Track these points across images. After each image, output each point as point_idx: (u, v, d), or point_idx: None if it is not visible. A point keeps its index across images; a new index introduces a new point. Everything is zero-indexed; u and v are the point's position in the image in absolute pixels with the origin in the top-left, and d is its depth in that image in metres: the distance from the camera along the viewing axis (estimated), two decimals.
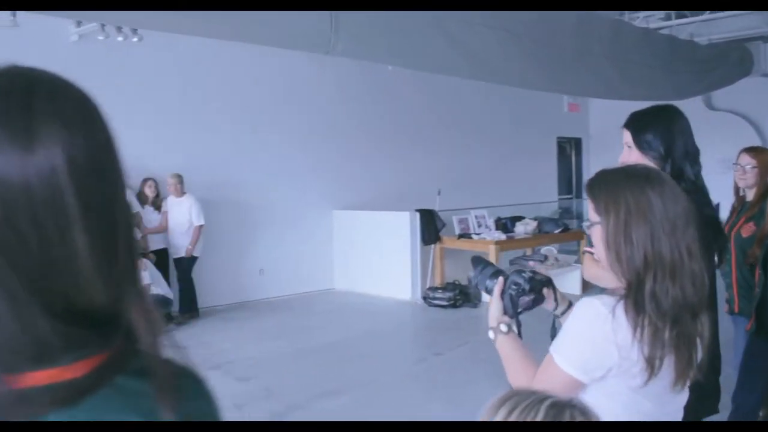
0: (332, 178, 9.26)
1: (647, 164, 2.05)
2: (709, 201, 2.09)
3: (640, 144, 2.12)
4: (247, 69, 8.22)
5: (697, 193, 2.04)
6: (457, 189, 9.69)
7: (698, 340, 1.41)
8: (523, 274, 1.66)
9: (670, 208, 1.36)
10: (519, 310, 1.63)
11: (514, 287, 1.63)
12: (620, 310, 1.34)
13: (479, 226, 8.53)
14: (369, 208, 9.02)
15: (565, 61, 5.58)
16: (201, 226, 7.46)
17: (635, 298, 1.34)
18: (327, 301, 8.71)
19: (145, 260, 6.82)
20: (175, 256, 7.51)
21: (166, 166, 7.48)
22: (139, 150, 7.44)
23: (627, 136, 2.16)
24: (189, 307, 7.47)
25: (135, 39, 6.41)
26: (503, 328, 1.58)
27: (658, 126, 2.12)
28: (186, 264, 7.46)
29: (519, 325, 1.63)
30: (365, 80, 8.94)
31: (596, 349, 1.36)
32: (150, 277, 6.68)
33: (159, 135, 7.62)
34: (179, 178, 7.42)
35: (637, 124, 2.16)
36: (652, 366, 1.33)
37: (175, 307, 7.39)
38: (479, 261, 1.80)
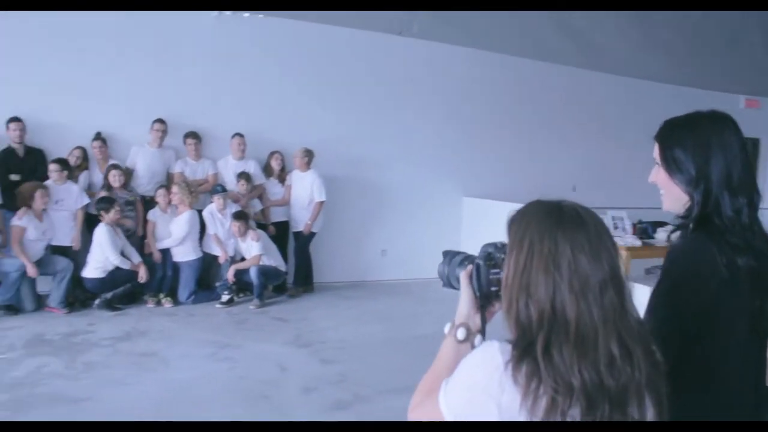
0: (465, 165, 8.97)
1: (671, 192, 1.59)
2: (752, 246, 1.48)
3: (667, 162, 1.57)
4: (386, 51, 8.09)
5: (740, 234, 1.48)
6: (596, 187, 8.97)
7: None
8: (497, 243, 1.32)
9: (583, 262, 1.10)
10: (492, 288, 1.29)
11: (483, 256, 1.32)
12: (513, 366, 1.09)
13: (615, 228, 7.79)
14: (500, 198, 8.61)
15: (709, 52, 4.85)
16: (322, 203, 7.54)
17: (523, 354, 1.08)
18: (446, 290, 8.46)
19: (259, 231, 7.03)
20: (295, 230, 7.66)
21: (296, 141, 7.63)
22: (269, 123, 7.68)
23: (656, 150, 1.62)
24: (304, 281, 7.62)
25: (261, 15, 6.54)
26: (460, 334, 1.30)
27: (692, 139, 1.54)
28: (304, 238, 7.59)
29: (484, 323, 1.32)
30: (505, 69, 8.47)
31: (474, 401, 1.12)
32: (263, 248, 6.88)
33: (290, 109, 7.79)
34: (307, 153, 7.52)
35: (665, 135, 1.60)
36: None
37: (291, 280, 7.58)
38: (448, 252, 1.51)
